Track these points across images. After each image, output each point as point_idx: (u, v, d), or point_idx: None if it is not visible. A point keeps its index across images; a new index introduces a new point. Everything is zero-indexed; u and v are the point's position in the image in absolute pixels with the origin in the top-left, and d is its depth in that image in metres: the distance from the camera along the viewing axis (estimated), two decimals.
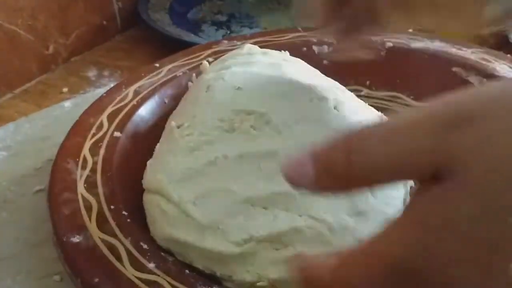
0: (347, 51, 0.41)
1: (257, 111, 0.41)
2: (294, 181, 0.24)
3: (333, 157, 0.23)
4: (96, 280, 0.35)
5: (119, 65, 0.71)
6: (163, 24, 0.75)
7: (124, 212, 0.40)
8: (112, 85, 0.57)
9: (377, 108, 0.48)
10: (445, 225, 0.21)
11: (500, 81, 0.25)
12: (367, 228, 0.35)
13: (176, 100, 0.50)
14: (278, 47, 0.53)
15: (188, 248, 0.37)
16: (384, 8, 0.38)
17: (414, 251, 0.21)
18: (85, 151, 0.45)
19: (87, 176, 0.43)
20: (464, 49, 0.55)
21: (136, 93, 0.52)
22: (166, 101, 0.52)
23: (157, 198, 0.39)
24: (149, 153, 0.45)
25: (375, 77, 0.56)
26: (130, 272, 0.35)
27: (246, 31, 0.77)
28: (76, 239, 0.38)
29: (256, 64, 0.47)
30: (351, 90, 0.49)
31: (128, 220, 0.40)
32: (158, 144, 0.45)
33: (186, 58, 0.56)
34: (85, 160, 0.44)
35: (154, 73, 0.54)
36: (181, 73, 0.54)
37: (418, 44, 0.57)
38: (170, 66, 0.55)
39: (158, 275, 0.35)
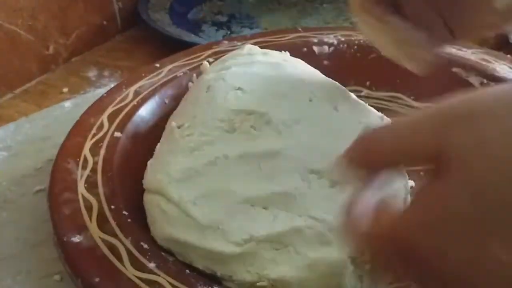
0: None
1: (257, 111, 0.41)
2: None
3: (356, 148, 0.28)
4: (97, 280, 0.35)
5: (119, 65, 0.71)
6: (163, 24, 0.75)
7: (124, 212, 0.40)
8: (112, 85, 0.57)
9: (377, 108, 0.48)
10: (444, 214, 0.23)
11: (503, 84, 0.26)
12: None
13: (176, 100, 0.50)
14: (279, 47, 0.53)
15: (188, 248, 0.37)
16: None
17: (416, 230, 0.24)
18: (86, 151, 0.45)
19: (88, 176, 0.43)
20: (464, 49, 0.55)
21: (137, 93, 0.52)
22: (167, 101, 0.52)
23: (157, 198, 0.39)
24: (150, 153, 0.45)
25: (375, 77, 0.56)
26: (130, 272, 0.36)
27: (247, 31, 0.77)
28: (76, 239, 0.38)
29: (256, 65, 0.47)
30: (351, 90, 0.49)
31: (129, 220, 0.40)
32: (158, 144, 0.45)
33: (187, 59, 0.56)
34: (85, 160, 0.44)
35: (155, 73, 0.54)
36: (181, 74, 0.54)
37: None
38: (170, 67, 0.55)
39: (159, 275, 0.35)
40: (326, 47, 0.58)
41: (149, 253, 0.37)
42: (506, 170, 0.22)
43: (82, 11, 0.72)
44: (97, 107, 0.50)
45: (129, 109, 0.50)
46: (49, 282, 0.41)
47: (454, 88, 0.47)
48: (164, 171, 0.40)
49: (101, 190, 0.42)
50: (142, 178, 0.43)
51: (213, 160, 0.39)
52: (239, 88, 0.44)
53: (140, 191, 0.42)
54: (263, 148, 0.39)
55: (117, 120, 0.48)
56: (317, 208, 0.36)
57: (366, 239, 0.26)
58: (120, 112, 0.49)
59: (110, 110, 0.50)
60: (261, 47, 0.52)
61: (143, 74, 0.54)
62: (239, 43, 0.58)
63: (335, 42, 0.58)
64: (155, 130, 0.47)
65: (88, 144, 0.46)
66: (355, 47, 0.58)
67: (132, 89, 0.52)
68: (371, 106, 0.48)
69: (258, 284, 0.35)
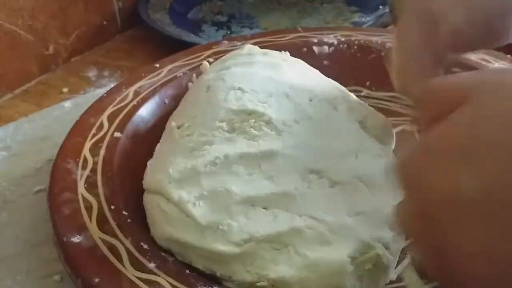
0: None
1: (257, 112, 0.41)
2: None
3: None
4: (97, 280, 0.35)
5: (119, 65, 0.71)
6: (163, 24, 0.75)
7: (124, 212, 0.40)
8: (112, 85, 0.57)
9: (377, 108, 0.48)
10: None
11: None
12: (366, 228, 0.35)
13: (176, 100, 0.50)
14: (278, 47, 0.53)
15: (188, 248, 0.37)
16: None
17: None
18: (86, 151, 0.45)
19: (88, 176, 0.43)
20: None
21: (136, 93, 0.52)
22: (166, 101, 0.52)
23: (157, 198, 0.39)
24: (149, 154, 0.45)
25: (375, 77, 0.56)
26: (130, 272, 0.35)
27: (247, 31, 0.77)
28: (76, 239, 0.38)
29: (256, 65, 0.47)
30: (351, 90, 0.49)
31: (129, 220, 0.40)
32: (158, 144, 0.45)
33: (187, 59, 0.56)
34: (85, 160, 0.44)
35: (155, 74, 0.54)
36: (181, 74, 0.54)
37: None
38: (170, 67, 0.55)
39: (159, 275, 0.35)
40: (326, 47, 0.58)
41: (149, 253, 0.37)
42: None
43: (82, 11, 0.72)
44: (97, 107, 0.50)
45: (129, 109, 0.50)
46: (49, 282, 0.41)
47: None
48: (164, 171, 0.40)
49: (101, 190, 0.42)
50: (142, 178, 0.43)
51: (213, 160, 0.39)
52: (239, 88, 0.44)
53: (140, 191, 0.42)
54: (263, 148, 0.39)
55: (117, 120, 0.48)
56: (317, 208, 0.36)
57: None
58: (120, 112, 0.50)
59: (110, 110, 0.50)
60: (261, 47, 0.52)
61: (143, 74, 0.54)
62: (239, 43, 0.58)
63: (335, 42, 0.58)
64: (155, 130, 0.47)
65: (88, 144, 0.46)
66: (355, 47, 0.58)
67: (132, 89, 0.52)
68: (371, 106, 0.48)
69: (258, 284, 0.35)
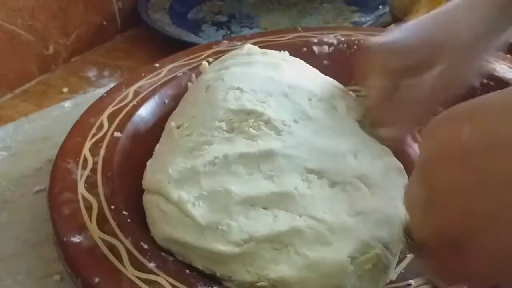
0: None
1: (256, 111, 0.41)
2: None
3: None
4: (97, 280, 0.35)
5: (119, 65, 0.71)
6: (163, 24, 0.75)
7: (124, 212, 0.40)
8: (112, 85, 0.57)
9: None
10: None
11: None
12: (366, 228, 0.35)
13: (176, 100, 0.50)
14: (278, 47, 0.53)
15: (187, 248, 0.37)
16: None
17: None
18: (86, 151, 0.45)
19: (88, 176, 0.43)
20: None
21: (136, 93, 0.52)
22: (166, 101, 0.52)
23: (157, 198, 0.39)
24: (149, 153, 0.45)
25: None
26: (130, 272, 0.36)
27: (246, 31, 0.77)
28: (76, 239, 0.38)
29: (255, 64, 0.47)
30: (351, 90, 0.49)
31: (129, 220, 0.40)
32: (157, 144, 0.45)
33: (187, 59, 0.56)
34: (85, 160, 0.44)
35: (154, 73, 0.54)
36: (181, 74, 0.54)
37: None
38: (170, 67, 0.55)
39: (159, 275, 0.35)
40: (326, 47, 0.58)
41: (149, 253, 0.37)
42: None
43: (82, 11, 0.72)
44: (97, 107, 0.50)
45: (129, 109, 0.50)
46: (49, 282, 0.41)
47: None
48: (163, 171, 0.40)
49: (101, 190, 0.42)
50: (142, 178, 0.43)
51: (213, 160, 0.39)
52: (238, 88, 0.43)
53: (140, 191, 0.42)
54: (262, 148, 0.39)
55: (117, 120, 0.48)
56: (317, 208, 0.36)
57: None
58: (120, 112, 0.50)
59: (110, 110, 0.50)
60: (261, 47, 0.52)
61: (143, 74, 0.54)
62: (239, 43, 0.58)
63: (335, 42, 0.58)
64: (155, 130, 0.47)
65: (88, 144, 0.46)
66: (355, 47, 0.58)
67: (132, 89, 0.52)
68: None
69: (258, 284, 0.35)
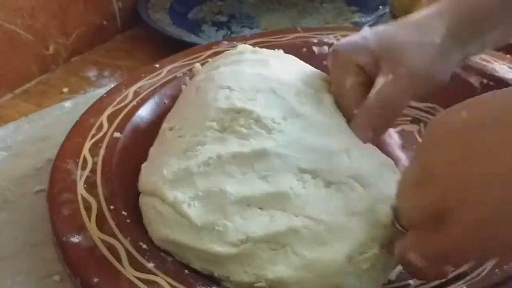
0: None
1: (246, 110, 0.41)
2: None
3: None
4: (96, 280, 0.35)
5: (119, 65, 0.71)
6: (163, 24, 0.75)
7: (123, 212, 0.40)
8: (112, 85, 0.57)
9: None
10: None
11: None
12: (364, 228, 0.35)
13: (175, 100, 0.50)
14: (278, 47, 0.53)
15: (184, 249, 0.37)
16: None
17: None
18: (85, 151, 0.45)
19: (87, 176, 0.43)
20: None
21: (136, 93, 0.52)
22: (166, 101, 0.52)
23: (152, 199, 0.39)
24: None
25: None
26: (129, 272, 0.36)
27: (247, 31, 0.77)
28: (75, 239, 0.38)
29: (243, 62, 0.47)
30: None
31: (128, 220, 0.40)
32: (151, 147, 0.44)
33: (186, 59, 0.56)
34: (85, 160, 0.45)
35: (154, 74, 0.55)
36: (181, 74, 0.54)
37: None
38: (170, 67, 0.55)
39: (157, 275, 0.35)
40: (326, 48, 0.57)
41: (148, 253, 0.37)
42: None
43: (82, 11, 0.73)
44: (97, 107, 0.50)
45: (129, 110, 0.50)
46: (49, 282, 0.41)
47: (453, 88, 0.47)
48: (158, 173, 0.39)
49: (100, 190, 0.42)
50: None
51: (206, 161, 0.39)
52: (227, 87, 0.43)
53: (139, 191, 0.42)
54: (254, 147, 0.39)
55: (117, 121, 0.49)
56: (313, 208, 0.36)
57: None
58: (120, 112, 0.50)
59: (109, 110, 0.50)
60: (261, 48, 0.52)
61: (143, 75, 0.55)
62: (239, 43, 0.58)
63: (335, 42, 0.58)
64: (155, 131, 0.47)
65: (87, 145, 0.46)
66: None
67: (131, 90, 0.52)
68: None
69: (256, 285, 0.35)
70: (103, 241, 0.38)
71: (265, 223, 0.36)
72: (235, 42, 0.59)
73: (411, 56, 0.41)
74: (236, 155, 0.39)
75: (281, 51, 0.51)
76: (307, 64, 0.50)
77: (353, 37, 0.44)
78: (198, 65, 0.51)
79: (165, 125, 0.44)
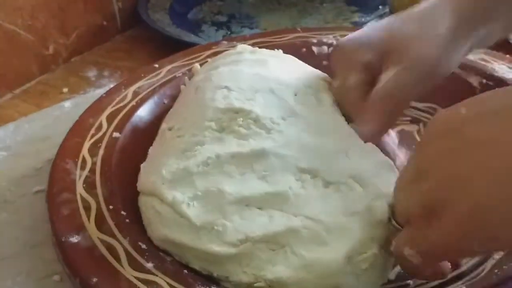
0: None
1: (244, 109, 0.41)
2: None
3: None
4: (95, 280, 0.35)
5: (119, 65, 0.71)
6: (163, 24, 0.75)
7: (122, 212, 0.40)
8: (112, 85, 0.57)
9: None
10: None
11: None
12: (363, 228, 0.35)
13: (175, 100, 0.50)
14: (278, 47, 0.53)
15: (183, 249, 0.37)
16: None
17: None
18: (84, 151, 0.45)
19: (86, 176, 0.43)
20: None
21: (136, 93, 0.52)
22: (165, 101, 0.52)
23: (151, 199, 0.39)
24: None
25: None
26: (128, 272, 0.36)
27: (246, 31, 0.77)
28: (74, 239, 0.38)
29: (242, 62, 0.47)
30: None
31: (127, 220, 0.40)
32: (151, 147, 0.44)
33: (186, 59, 0.56)
34: (84, 160, 0.45)
35: (154, 74, 0.55)
36: (180, 74, 0.54)
37: None
38: (169, 67, 0.55)
39: (157, 275, 0.35)
40: (325, 48, 0.57)
41: (147, 253, 0.37)
42: None
43: (82, 11, 0.73)
44: (96, 107, 0.51)
45: (128, 110, 0.50)
46: (49, 282, 0.41)
47: (453, 88, 0.47)
48: (157, 173, 0.39)
49: (99, 190, 0.42)
50: None
51: (205, 160, 0.39)
52: (225, 87, 0.43)
53: (138, 191, 0.42)
54: (253, 147, 0.39)
55: (116, 121, 0.49)
56: (313, 208, 0.36)
57: None
58: (119, 112, 0.50)
59: (109, 110, 0.50)
60: (261, 48, 0.52)
61: (142, 75, 0.55)
62: (238, 43, 0.58)
63: (334, 42, 0.58)
64: (154, 131, 0.47)
65: (87, 145, 0.46)
66: None
67: (131, 90, 0.52)
68: None
69: (255, 285, 0.35)
70: (102, 241, 0.38)
71: (264, 223, 0.36)
72: (234, 42, 0.59)
73: (416, 48, 0.40)
74: (235, 155, 0.39)
75: (280, 51, 0.51)
76: (307, 64, 0.50)
77: (356, 34, 0.44)
78: (197, 65, 0.51)
79: (164, 125, 0.44)
